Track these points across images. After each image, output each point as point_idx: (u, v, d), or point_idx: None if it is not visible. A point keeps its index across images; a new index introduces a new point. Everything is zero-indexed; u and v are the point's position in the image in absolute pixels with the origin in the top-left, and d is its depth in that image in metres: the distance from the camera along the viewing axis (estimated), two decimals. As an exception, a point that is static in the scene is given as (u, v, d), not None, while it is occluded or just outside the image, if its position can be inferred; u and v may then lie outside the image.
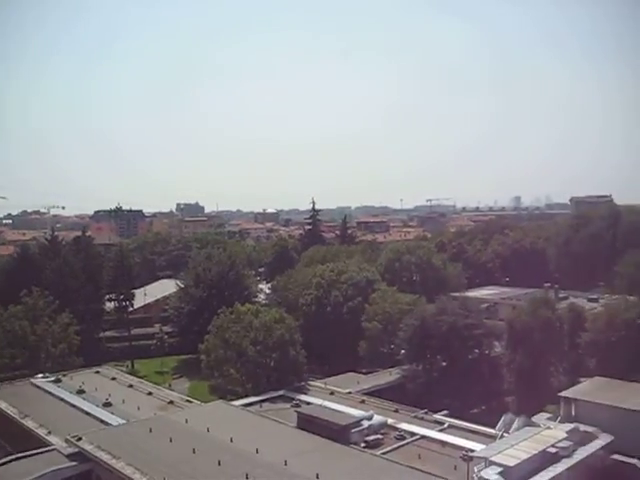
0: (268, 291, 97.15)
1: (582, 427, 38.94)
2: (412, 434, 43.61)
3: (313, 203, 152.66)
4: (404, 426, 45.05)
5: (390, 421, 45.64)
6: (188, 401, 54.95)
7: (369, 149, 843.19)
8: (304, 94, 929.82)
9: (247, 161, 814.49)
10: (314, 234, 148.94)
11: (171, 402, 53.27)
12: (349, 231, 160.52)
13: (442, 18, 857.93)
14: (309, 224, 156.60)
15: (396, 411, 49.33)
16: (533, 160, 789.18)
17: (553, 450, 35.03)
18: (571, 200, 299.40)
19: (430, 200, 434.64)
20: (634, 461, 36.81)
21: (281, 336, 57.12)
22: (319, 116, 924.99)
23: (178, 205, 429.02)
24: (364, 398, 53.28)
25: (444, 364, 59.06)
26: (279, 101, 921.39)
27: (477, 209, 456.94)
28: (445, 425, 45.53)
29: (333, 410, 46.40)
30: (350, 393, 54.90)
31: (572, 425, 39.11)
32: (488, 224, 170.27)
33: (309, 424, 42.42)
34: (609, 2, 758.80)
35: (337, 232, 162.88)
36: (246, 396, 54.33)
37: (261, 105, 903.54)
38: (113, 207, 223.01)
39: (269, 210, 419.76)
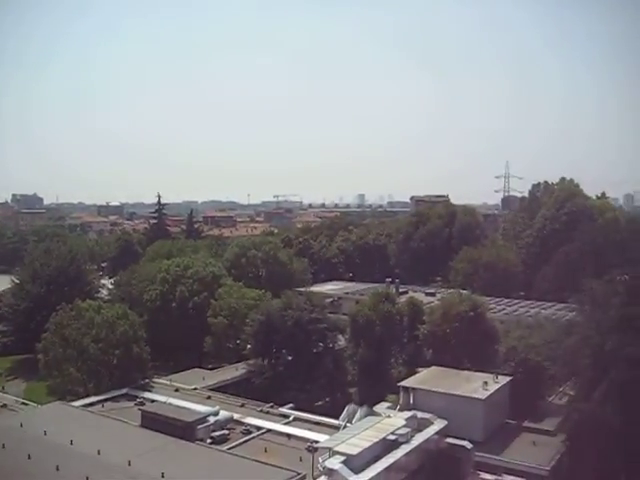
0: (111, 287, 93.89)
1: (419, 414, 41.01)
2: (258, 428, 43.94)
3: (159, 197, 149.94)
4: (250, 420, 45.28)
5: (236, 416, 45.67)
6: (24, 404, 52.10)
7: (219, 144, 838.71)
8: (165, 85, 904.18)
9: (91, 152, 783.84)
10: (159, 228, 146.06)
11: (4, 406, 50.21)
12: (195, 225, 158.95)
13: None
14: (154, 218, 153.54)
15: (242, 406, 49.49)
16: (377, 159, 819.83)
17: (393, 437, 36.63)
18: (411, 199, 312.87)
19: (277, 196, 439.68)
20: (464, 443, 39.35)
21: (124, 332, 55.36)
22: (169, 108, 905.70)
23: (14, 196, 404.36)
24: (210, 394, 52.95)
25: (290, 358, 59.81)
26: (130, 90, 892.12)
27: (323, 206, 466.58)
28: (291, 418, 46.25)
29: (178, 407, 45.76)
30: (196, 389, 54.39)
31: (410, 413, 41.10)
32: (333, 221, 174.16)
33: (154, 422, 41.50)
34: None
35: (183, 226, 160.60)
36: (87, 396, 52.16)
37: (109, 94, 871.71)
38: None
39: (113, 203, 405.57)
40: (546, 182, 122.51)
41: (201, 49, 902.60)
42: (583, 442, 38.00)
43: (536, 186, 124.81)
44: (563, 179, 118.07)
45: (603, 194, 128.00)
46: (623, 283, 41.15)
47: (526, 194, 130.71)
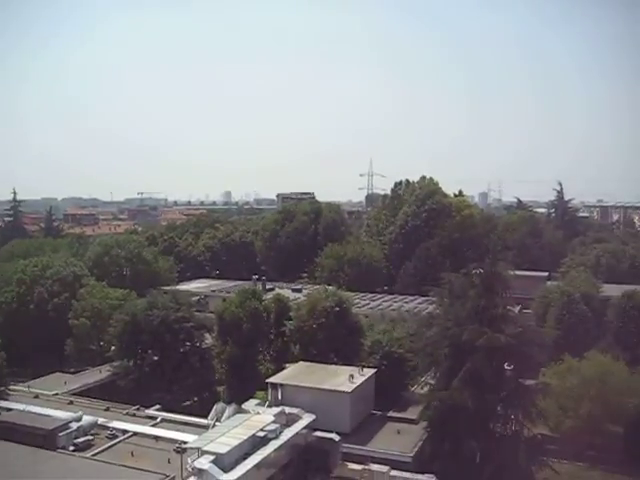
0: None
1: (288, 409, 41.44)
2: (124, 432, 42.77)
3: (14, 193, 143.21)
4: (116, 424, 43.99)
5: (101, 420, 44.23)
6: None
7: (79, 138, 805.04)
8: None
9: None
10: (15, 226, 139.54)
11: None
12: (55, 223, 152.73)
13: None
14: (9, 215, 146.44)
15: (107, 409, 48.02)
16: (243, 156, 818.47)
17: (262, 434, 36.82)
18: (278, 196, 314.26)
19: (141, 193, 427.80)
20: (332, 435, 40.25)
21: (-24, 338, 52.24)
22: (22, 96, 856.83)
23: None
24: (72, 399, 50.95)
25: (156, 358, 58.72)
26: None
27: (189, 203, 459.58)
28: (158, 420, 45.39)
29: (38, 415, 43.65)
30: (57, 395, 52.13)
31: (279, 409, 41.45)
32: (199, 218, 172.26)
33: (10, 432, 39.37)
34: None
35: (42, 224, 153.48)
36: None
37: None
38: None
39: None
40: (407, 180, 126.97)
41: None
42: (443, 428, 39.91)
43: (398, 184, 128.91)
44: (424, 177, 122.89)
45: (460, 192, 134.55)
46: (478, 276, 43.35)
47: (389, 192, 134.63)
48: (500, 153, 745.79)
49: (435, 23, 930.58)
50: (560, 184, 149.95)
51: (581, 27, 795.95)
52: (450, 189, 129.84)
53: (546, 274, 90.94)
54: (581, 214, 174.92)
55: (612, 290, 75.17)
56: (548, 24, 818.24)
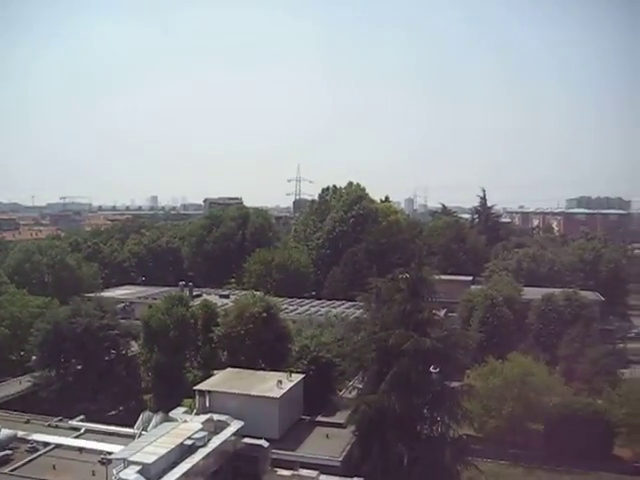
0: None
1: (216, 417, 41.01)
2: (46, 444, 41.37)
3: None
4: (36, 437, 42.50)
5: (21, 433, 42.63)
6: None
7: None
8: None
9: None
10: None
11: None
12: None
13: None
14: None
15: (27, 422, 46.35)
16: (167, 161, 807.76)
17: (190, 442, 36.31)
18: (205, 201, 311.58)
19: (64, 198, 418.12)
20: (261, 441, 40.08)
21: None
22: None
23: None
24: (-10, 412, 49.15)
25: (80, 367, 57.30)
26: None
27: (114, 208, 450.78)
28: (82, 431, 44.16)
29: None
30: (-27, 408, 50.19)
31: (207, 416, 40.98)
32: (125, 223, 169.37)
33: None
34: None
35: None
36: None
37: None
38: None
39: None
40: (335, 186, 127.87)
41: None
42: (371, 431, 40.29)
43: (326, 190, 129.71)
44: (351, 183, 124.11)
45: (387, 198, 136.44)
46: (404, 281, 43.95)
47: (316, 197, 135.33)
48: (454, 160, 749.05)
49: (394, 23, 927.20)
50: (484, 190, 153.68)
51: (563, 25, 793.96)
52: (377, 195, 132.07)
53: (470, 278, 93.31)
54: (503, 220, 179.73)
55: (532, 293, 77.80)
56: (527, 21, 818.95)
